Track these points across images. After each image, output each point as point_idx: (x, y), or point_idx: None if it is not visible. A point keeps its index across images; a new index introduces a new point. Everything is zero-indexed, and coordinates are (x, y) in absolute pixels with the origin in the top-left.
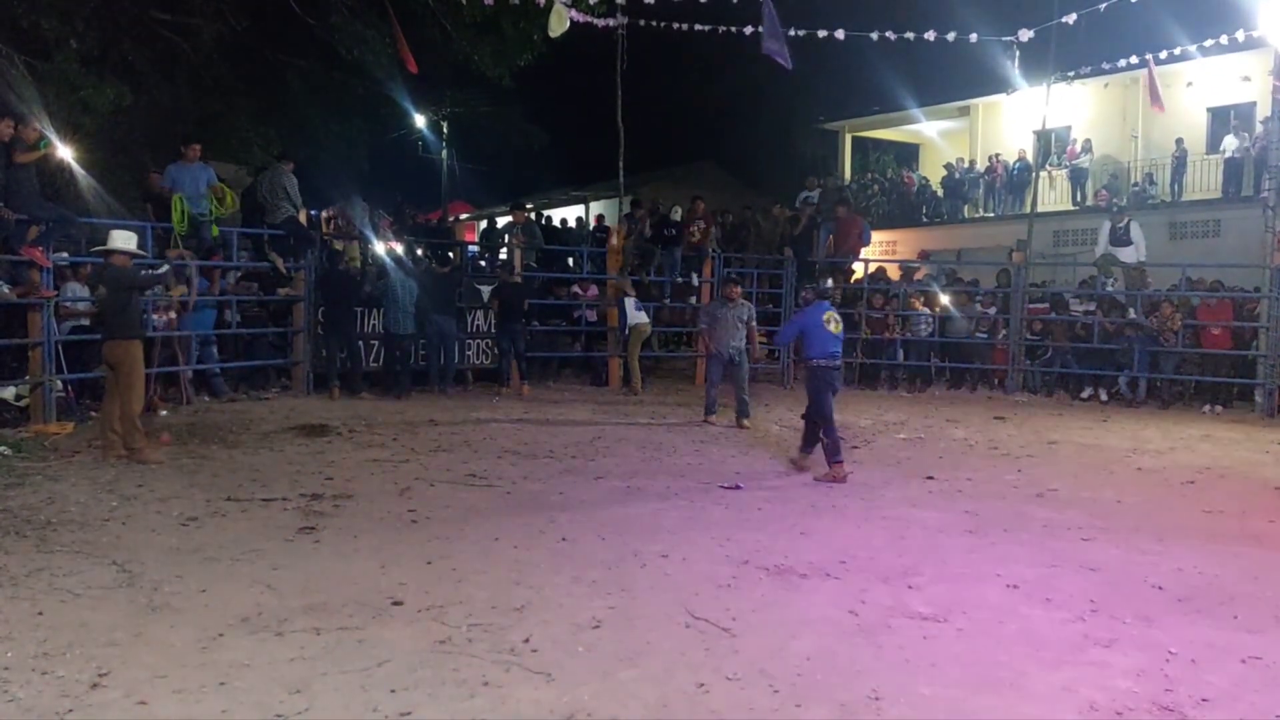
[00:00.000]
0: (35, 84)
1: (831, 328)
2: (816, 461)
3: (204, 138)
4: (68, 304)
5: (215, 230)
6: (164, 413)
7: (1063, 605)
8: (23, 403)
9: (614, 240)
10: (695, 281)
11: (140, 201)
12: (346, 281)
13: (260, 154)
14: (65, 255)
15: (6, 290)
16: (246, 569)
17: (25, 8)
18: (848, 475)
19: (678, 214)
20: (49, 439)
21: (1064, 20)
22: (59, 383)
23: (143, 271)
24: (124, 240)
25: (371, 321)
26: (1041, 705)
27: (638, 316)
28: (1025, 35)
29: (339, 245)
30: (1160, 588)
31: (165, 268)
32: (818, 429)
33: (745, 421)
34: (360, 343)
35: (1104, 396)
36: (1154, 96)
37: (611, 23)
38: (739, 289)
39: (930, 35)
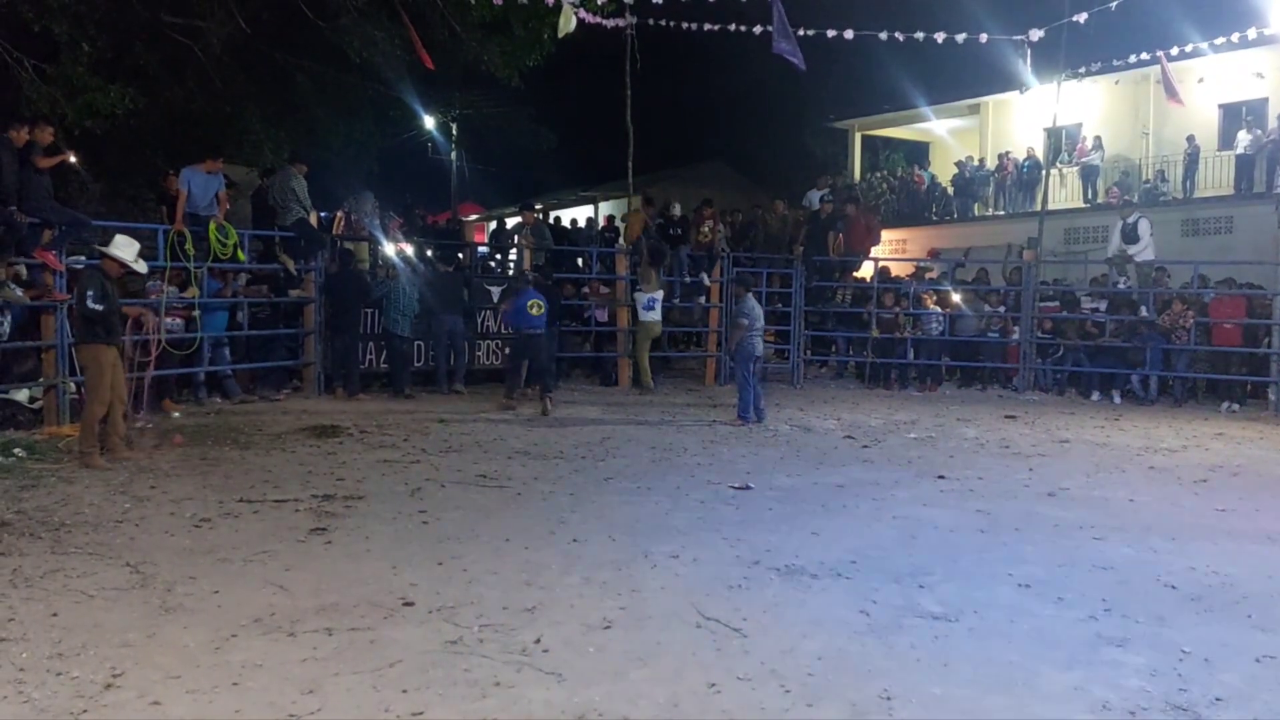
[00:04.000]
0: (44, 87)
1: (533, 311)
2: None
3: (215, 140)
4: None
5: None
6: (176, 414)
7: (1075, 604)
8: (36, 405)
9: (633, 228)
10: (706, 281)
11: (155, 204)
12: (356, 283)
13: (271, 156)
14: (80, 258)
15: (20, 294)
16: (259, 570)
17: (36, 12)
18: (514, 408)
19: (678, 210)
20: (62, 441)
21: (1075, 19)
22: (72, 385)
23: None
24: (125, 247)
25: (381, 323)
26: (1054, 705)
27: (648, 315)
28: (1036, 35)
29: (350, 246)
30: (1173, 587)
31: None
32: (515, 374)
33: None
34: (361, 343)
35: (1116, 395)
36: (1170, 91)
37: (620, 23)
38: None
39: (939, 36)
